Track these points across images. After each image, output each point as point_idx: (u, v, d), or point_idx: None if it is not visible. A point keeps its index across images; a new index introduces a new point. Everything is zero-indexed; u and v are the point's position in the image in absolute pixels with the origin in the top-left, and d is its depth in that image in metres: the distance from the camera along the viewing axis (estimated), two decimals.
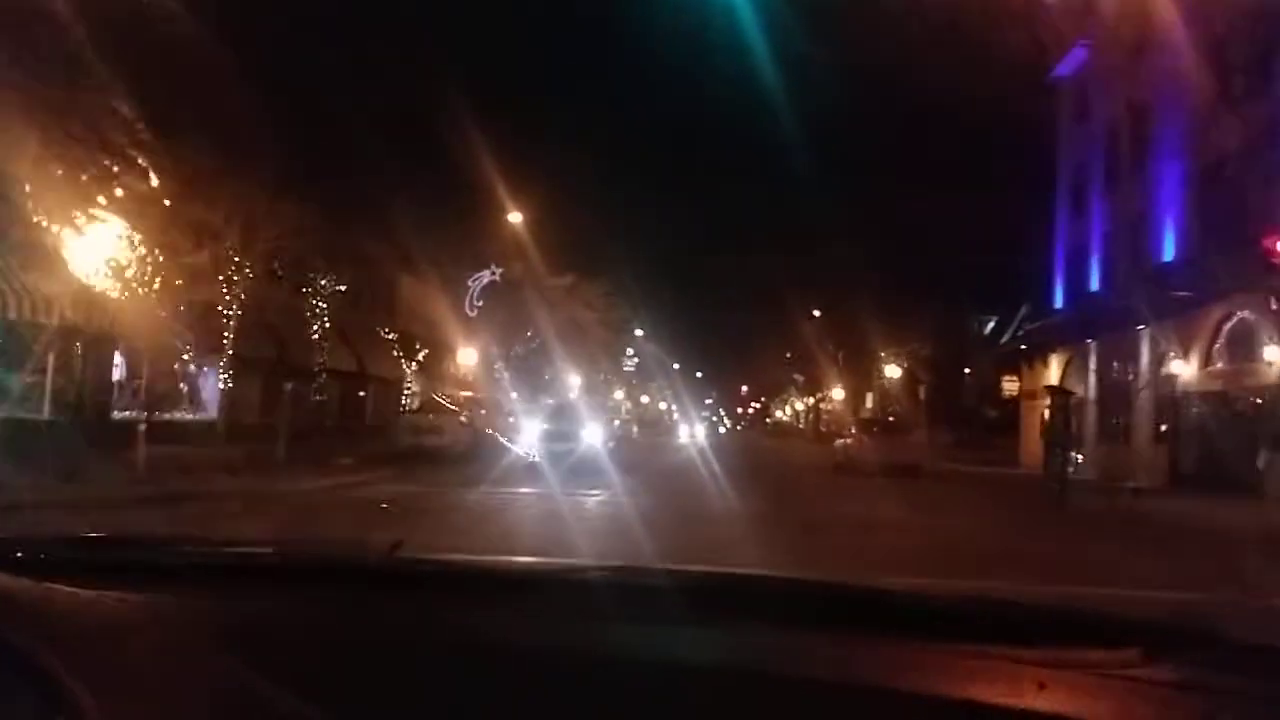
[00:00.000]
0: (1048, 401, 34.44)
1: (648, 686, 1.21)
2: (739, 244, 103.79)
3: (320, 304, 22.68)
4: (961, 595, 1.60)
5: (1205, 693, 1.15)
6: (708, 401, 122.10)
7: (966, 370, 47.81)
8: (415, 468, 18.72)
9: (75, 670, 1.15)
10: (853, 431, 28.88)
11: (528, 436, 21.82)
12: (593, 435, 22.71)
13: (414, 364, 29.55)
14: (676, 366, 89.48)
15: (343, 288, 23.32)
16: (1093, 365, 29.64)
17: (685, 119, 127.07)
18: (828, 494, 18.02)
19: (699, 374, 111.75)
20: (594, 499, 14.66)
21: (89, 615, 1.40)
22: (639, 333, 69.89)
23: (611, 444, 25.16)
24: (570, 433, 22.28)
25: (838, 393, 55.20)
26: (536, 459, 19.68)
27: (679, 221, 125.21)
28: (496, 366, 37.17)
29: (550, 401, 27.08)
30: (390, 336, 28.54)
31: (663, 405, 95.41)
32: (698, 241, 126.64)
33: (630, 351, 79.28)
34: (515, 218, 33.50)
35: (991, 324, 55.30)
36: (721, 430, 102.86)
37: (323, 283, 22.49)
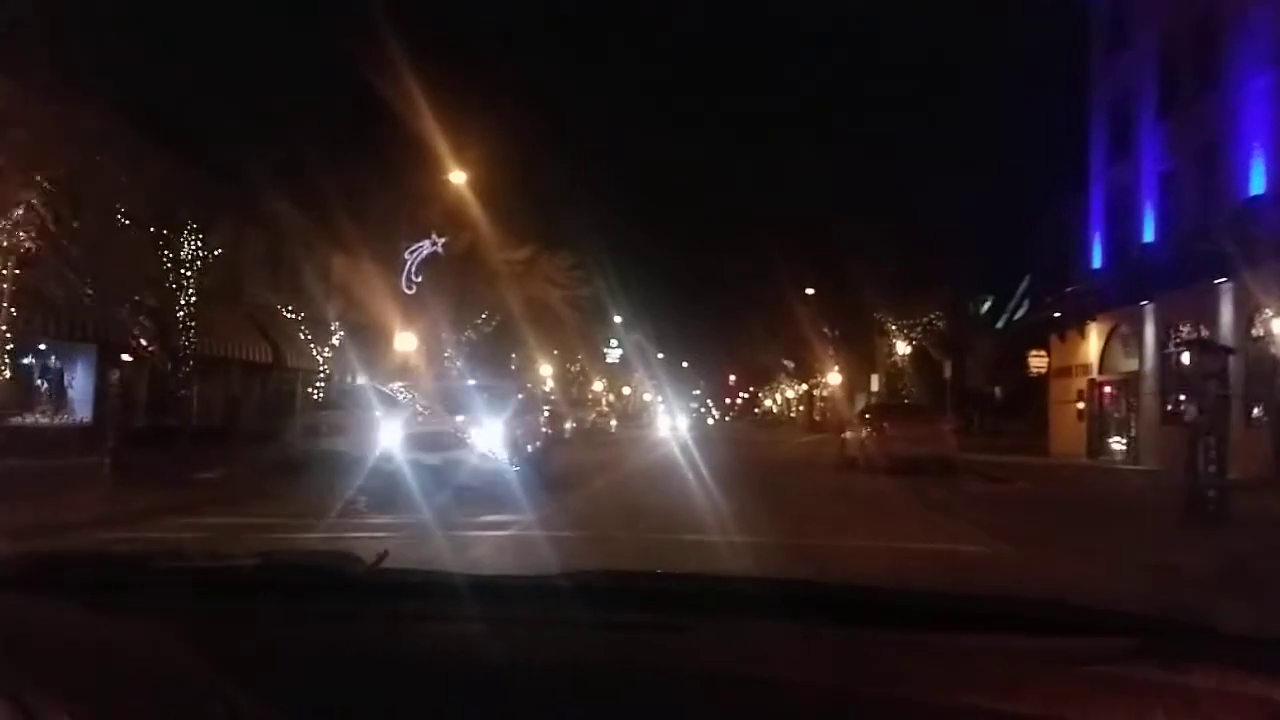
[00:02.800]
0: (1087, 379, 30.36)
1: (636, 694, 1.19)
2: (722, 221, 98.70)
3: (184, 271, 17.36)
4: (954, 590, 1.56)
5: (1198, 685, 1.15)
6: (695, 392, 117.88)
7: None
8: (285, 483, 13.48)
9: (51, 689, 1.12)
10: (866, 419, 23.67)
11: (388, 439, 14.57)
12: (489, 438, 13.98)
13: (326, 350, 24.29)
14: (660, 356, 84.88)
15: (218, 251, 17.95)
16: (1149, 332, 24.80)
17: (659, 71, 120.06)
18: (854, 510, 12.37)
19: (685, 364, 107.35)
20: (494, 535, 9.37)
21: (70, 633, 1.39)
22: (618, 320, 65.14)
23: (534, 447, 16.24)
24: (445, 438, 13.95)
25: (834, 377, 50.16)
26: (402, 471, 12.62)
27: (656, 198, 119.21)
28: (447, 354, 32.13)
29: (427, 384, 19.23)
30: (292, 316, 23.21)
31: (647, 397, 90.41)
32: (676, 221, 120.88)
33: (614, 342, 74.86)
34: (458, 178, 28.21)
35: (989, 303, 50.77)
36: (709, 421, 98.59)
37: (183, 240, 17.10)
